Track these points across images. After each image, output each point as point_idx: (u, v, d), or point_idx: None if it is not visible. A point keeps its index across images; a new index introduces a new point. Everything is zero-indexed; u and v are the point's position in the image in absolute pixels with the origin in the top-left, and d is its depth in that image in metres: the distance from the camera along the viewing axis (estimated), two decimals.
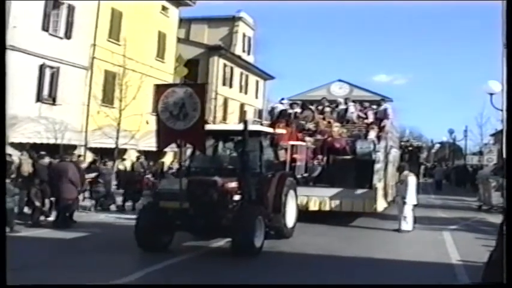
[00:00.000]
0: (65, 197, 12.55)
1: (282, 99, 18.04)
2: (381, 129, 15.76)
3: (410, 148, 27.86)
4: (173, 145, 9.59)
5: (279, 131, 12.77)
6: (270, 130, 11.94)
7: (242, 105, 40.40)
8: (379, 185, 13.61)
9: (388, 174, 15.29)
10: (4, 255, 5.51)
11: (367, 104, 17.30)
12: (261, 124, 15.13)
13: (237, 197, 9.53)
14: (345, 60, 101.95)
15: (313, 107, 16.99)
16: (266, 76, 45.10)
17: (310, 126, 15.74)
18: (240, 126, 10.03)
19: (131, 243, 9.35)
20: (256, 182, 10.22)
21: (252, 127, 10.51)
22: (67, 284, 7.09)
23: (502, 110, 9.74)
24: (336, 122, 15.81)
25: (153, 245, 9.33)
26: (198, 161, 11.05)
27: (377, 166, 13.75)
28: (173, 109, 8.87)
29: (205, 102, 9.01)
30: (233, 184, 9.54)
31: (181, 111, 8.82)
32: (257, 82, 44.16)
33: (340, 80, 19.09)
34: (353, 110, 16.64)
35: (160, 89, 9.20)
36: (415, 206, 13.11)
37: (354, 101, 17.26)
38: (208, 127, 10.37)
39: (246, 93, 41.62)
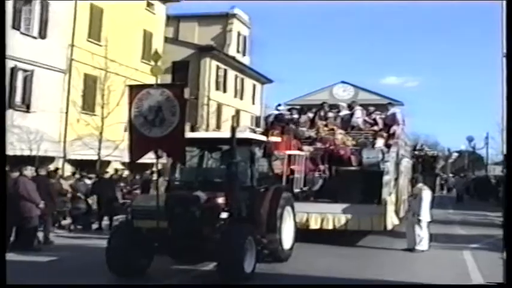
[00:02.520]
0: (21, 215, 12.15)
1: (279, 105, 17.97)
2: (391, 136, 15.60)
3: (424, 158, 27.69)
4: (151, 155, 9.15)
5: (273, 139, 12.61)
6: (263, 138, 11.74)
7: (238, 112, 40.31)
8: (389, 200, 13.39)
9: (399, 187, 15.15)
10: (4, 255, 5.92)
11: (374, 109, 17.09)
12: (254, 131, 14.86)
13: (224, 215, 9.27)
14: (350, 61, 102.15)
15: (311, 112, 16.75)
16: (264, 79, 45.10)
17: (310, 133, 15.60)
18: (228, 134, 9.77)
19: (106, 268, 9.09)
20: (246, 197, 10.00)
21: (241, 134, 10.31)
22: (67, 284, 7.36)
23: None
24: (340, 129, 15.63)
25: (128, 270, 9.08)
26: (179, 173, 10.88)
27: (386, 178, 13.54)
28: (148, 114, 8.62)
29: (185, 106, 8.73)
30: (219, 200, 9.29)
31: (158, 116, 8.57)
32: (254, 86, 44.11)
33: (343, 82, 18.91)
34: (359, 115, 16.41)
35: (133, 90, 8.93)
36: (429, 222, 12.86)
37: (360, 105, 17.01)
38: (190, 135, 10.35)
39: (241, 98, 41.55)
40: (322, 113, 16.69)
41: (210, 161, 11.43)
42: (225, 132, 12.39)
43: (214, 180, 10.49)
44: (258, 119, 40.67)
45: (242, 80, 41.60)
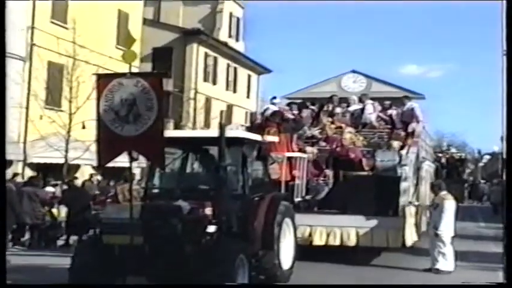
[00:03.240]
0: None
1: (274, 98, 18.00)
2: (409, 135, 15.64)
3: (449, 161, 27.75)
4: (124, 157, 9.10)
5: (270, 138, 12.52)
6: (258, 137, 11.67)
7: (230, 107, 40.39)
8: (408, 211, 13.44)
9: (420, 195, 15.22)
10: (4, 255, 6.91)
11: (390, 103, 17.19)
12: (248, 129, 14.86)
13: (211, 229, 9.27)
14: (363, 47, 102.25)
15: (315, 107, 16.75)
16: (260, 69, 45.35)
17: (314, 132, 15.67)
18: (215, 132, 9.75)
19: None
20: (238, 208, 10.00)
21: (231, 133, 10.28)
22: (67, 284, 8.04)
23: None
24: (349, 127, 15.69)
25: None
26: (158, 179, 10.88)
27: (404, 185, 13.59)
28: (120, 108, 8.53)
29: (164, 99, 8.64)
30: (206, 210, 9.29)
31: (131, 111, 8.48)
32: (249, 77, 44.24)
33: (354, 71, 18.92)
34: (371, 111, 16.50)
35: (101, 80, 8.84)
36: (453, 238, 12.87)
37: (372, 99, 17.13)
38: (170, 133, 10.23)
39: (234, 91, 41.72)
40: (328, 108, 16.79)
41: (194, 165, 11.43)
42: (212, 131, 12.38)
43: (199, 187, 10.45)
44: (253, 115, 40.75)
45: (235, 69, 41.69)
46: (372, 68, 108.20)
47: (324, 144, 15.15)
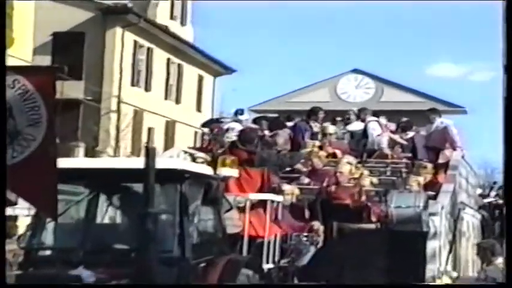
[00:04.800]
0: None
1: (240, 111, 18.27)
2: (439, 168, 15.91)
3: (503, 209, 27.80)
4: None
5: (225, 171, 12.57)
6: (207, 170, 11.80)
7: (170, 124, 40.47)
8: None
9: (459, 262, 15.51)
10: (4, 255, 8.03)
11: (407, 120, 17.65)
12: (193, 158, 14.75)
13: None
14: (370, 35, 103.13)
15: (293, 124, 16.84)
16: (218, 67, 45.72)
17: (295, 162, 15.70)
18: (140, 162, 9.60)
19: None
20: (173, 278, 10.01)
21: (165, 163, 10.36)
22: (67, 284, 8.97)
23: None
24: (347, 155, 15.86)
25: None
26: (48, 235, 10.85)
27: (433, 245, 13.91)
28: None
29: (62, 109, 8.48)
30: (121, 282, 9.46)
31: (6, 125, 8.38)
32: (200, 79, 44.63)
33: (356, 71, 18.98)
34: (380, 131, 16.79)
35: None
36: None
37: (384, 112, 17.64)
38: (69, 162, 10.23)
39: (177, 101, 41.86)
40: (314, 127, 16.87)
41: (107, 212, 11.39)
42: (136, 160, 12.30)
43: (113, 247, 10.53)
44: (205, 136, 40.84)
45: (179, 67, 41.91)
46: (383, 66, 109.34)
47: (308, 180, 15.32)
